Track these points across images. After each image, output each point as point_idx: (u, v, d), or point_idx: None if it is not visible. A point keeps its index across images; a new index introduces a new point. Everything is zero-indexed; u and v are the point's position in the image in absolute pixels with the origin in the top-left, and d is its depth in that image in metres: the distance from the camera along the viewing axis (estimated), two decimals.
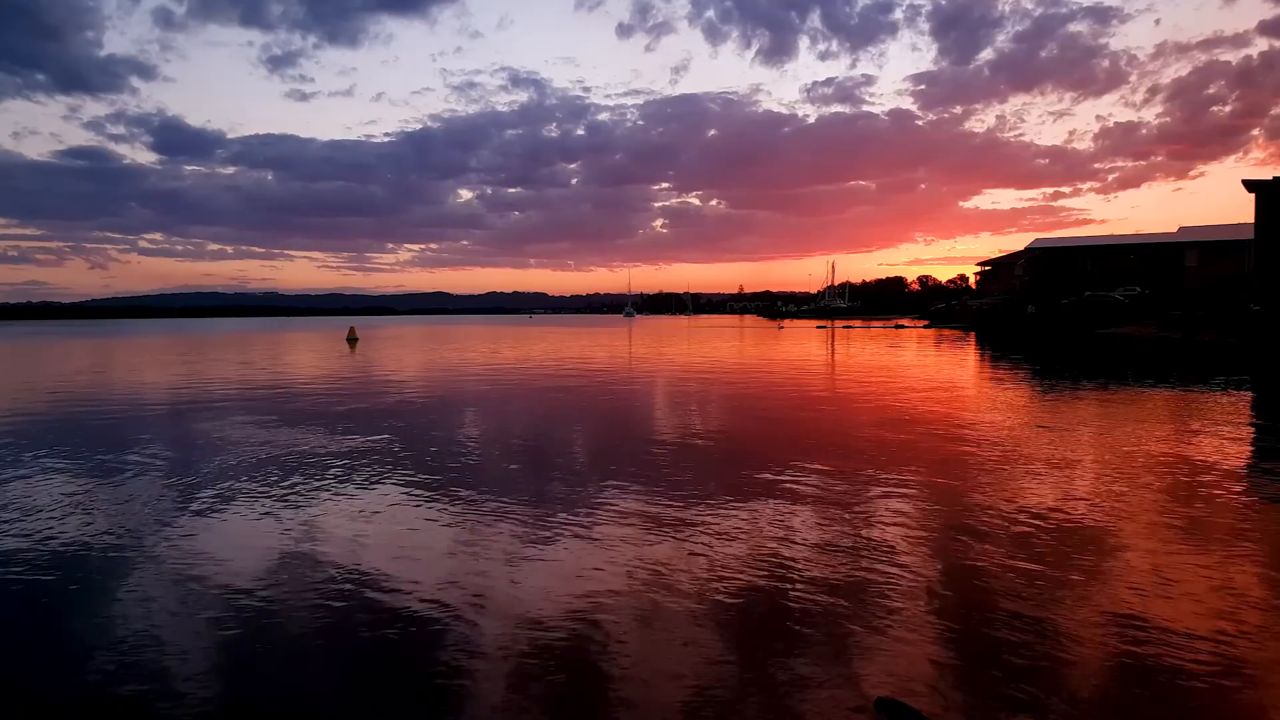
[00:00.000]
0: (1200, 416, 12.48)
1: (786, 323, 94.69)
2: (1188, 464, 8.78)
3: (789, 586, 5.09)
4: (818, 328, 71.32)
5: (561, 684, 3.84)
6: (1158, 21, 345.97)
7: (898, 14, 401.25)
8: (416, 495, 7.69)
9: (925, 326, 66.09)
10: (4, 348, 44.16)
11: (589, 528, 6.50)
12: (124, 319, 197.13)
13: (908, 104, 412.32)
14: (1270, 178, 36.31)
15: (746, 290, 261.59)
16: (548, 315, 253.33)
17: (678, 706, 3.62)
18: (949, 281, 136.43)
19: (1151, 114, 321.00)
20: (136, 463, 9.43)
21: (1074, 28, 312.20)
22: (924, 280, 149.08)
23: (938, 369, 23.32)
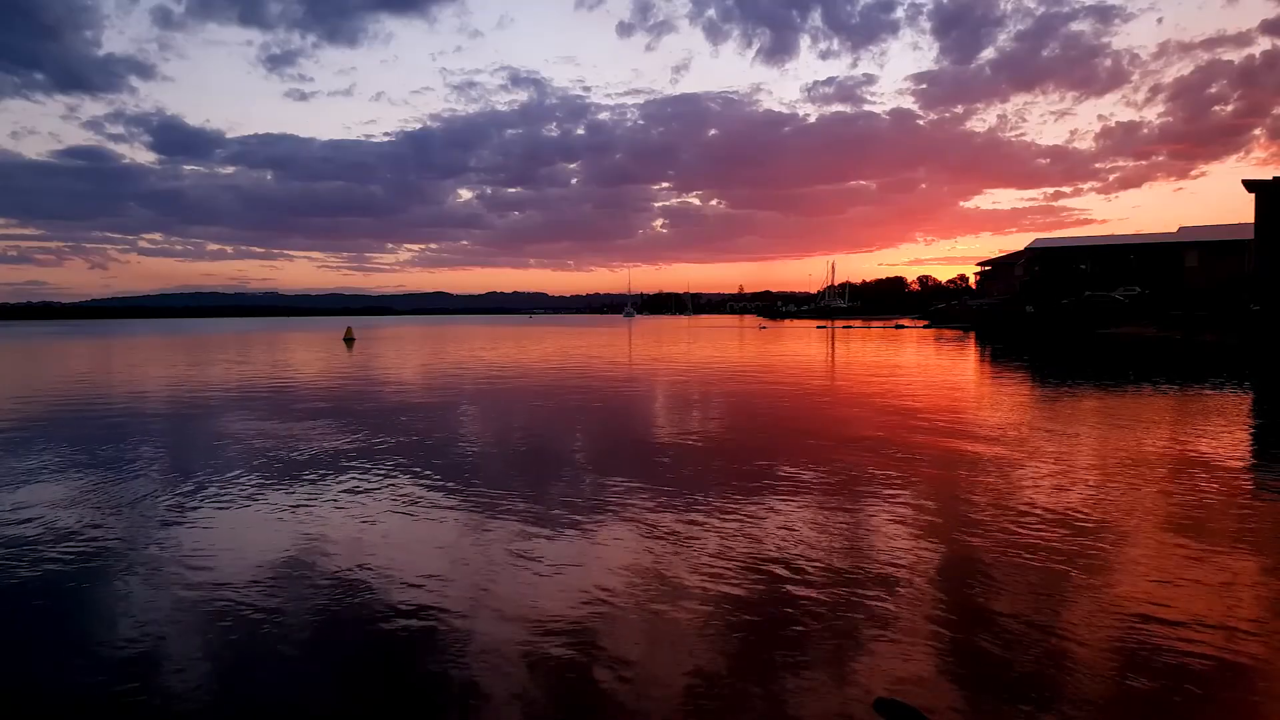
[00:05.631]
0: (1201, 416, 12.46)
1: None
2: (1189, 464, 8.76)
3: (788, 586, 5.08)
4: (818, 328, 71.35)
5: (562, 683, 3.83)
6: (1160, 20, 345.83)
7: (899, 13, 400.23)
8: (415, 495, 7.68)
9: (925, 326, 66.09)
10: (4, 348, 44.15)
11: (589, 527, 6.49)
12: (124, 319, 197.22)
13: (909, 103, 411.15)
14: (1270, 178, 36.36)
15: (746, 290, 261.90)
16: (548, 315, 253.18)
17: (678, 706, 3.61)
18: (949, 281, 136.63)
19: (1153, 113, 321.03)
20: (132, 463, 9.42)
21: (1076, 27, 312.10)
22: (924, 280, 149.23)
23: (937, 369, 23.31)
